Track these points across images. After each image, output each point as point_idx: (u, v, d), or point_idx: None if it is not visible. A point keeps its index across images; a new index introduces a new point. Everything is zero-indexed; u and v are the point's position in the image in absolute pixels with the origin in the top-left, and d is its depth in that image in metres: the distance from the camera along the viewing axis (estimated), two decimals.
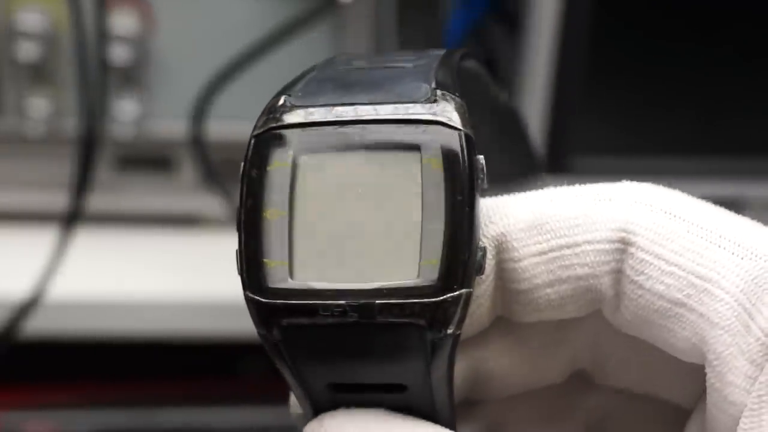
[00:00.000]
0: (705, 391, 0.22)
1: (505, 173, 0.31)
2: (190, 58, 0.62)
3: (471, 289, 0.20)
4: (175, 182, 0.66)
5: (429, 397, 0.21)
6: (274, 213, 0.20)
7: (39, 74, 0.61)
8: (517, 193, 0.22)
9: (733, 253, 0.21)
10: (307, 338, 0.20)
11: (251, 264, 0.20)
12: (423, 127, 0.20)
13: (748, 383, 0.20)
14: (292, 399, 0.23)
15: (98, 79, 0.59)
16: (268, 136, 0.21)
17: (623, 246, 0.21)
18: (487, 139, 0.24)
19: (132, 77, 0.62)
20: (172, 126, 0.63)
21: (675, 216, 0.21)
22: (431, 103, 0.20)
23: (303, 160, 0.20)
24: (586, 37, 0.60)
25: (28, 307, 0.57)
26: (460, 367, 0.23)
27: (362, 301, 0.20)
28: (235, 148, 0.63)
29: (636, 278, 0.21)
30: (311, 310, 0.20)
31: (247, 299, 0.20)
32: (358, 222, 0.20)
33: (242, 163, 0.21)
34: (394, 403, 0.21)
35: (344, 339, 0.20)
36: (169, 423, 0.65)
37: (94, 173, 0.58)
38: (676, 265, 0.21)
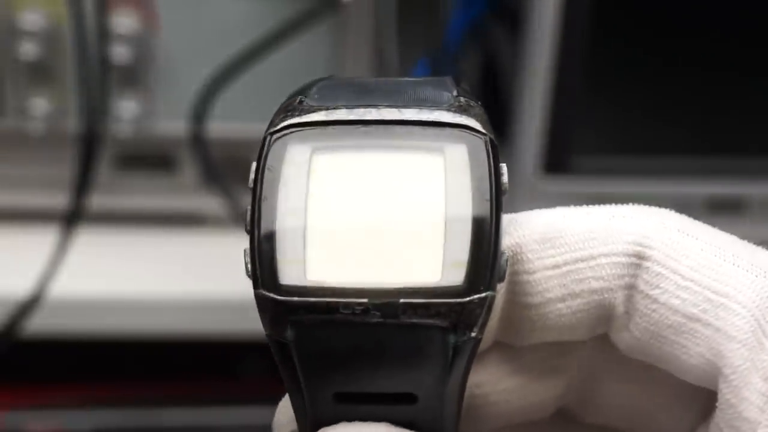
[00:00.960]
0: (701, 422, 0.22)
1: None
2: (191, 57, 0.62)
3: (495, 293, 0.20)
4: (176, 182, 0.66)
5: (438, 410, 0.20)
6: (289, 211, 0.20)
7: (40, 73, 0.61)
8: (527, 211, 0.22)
9: (747, 271, 0.21)
10: (322, 339, 0.20)
11: (264, 261, 0.20)
12: (448, 130, 0.20)
13: (762, 401, 0.20)
14: (278, 418, 0.22)
15: (99, 78, 0.59)
16: (287, 134, 0.20)
17: (638, 260, 0.21)
18: None
19: (133, 76, 0.62)
20: (172, 125, 0.63)
21: (689, 235, 0.21)
22: (455, 107, 0.20)
23: (323, 158, 0.20)
24: (586, 37, 0.60)
25: (28, 306, 0.57)
26: None
27: (386, 300, 0.19)
28: (236, 148, 0.64)
29: (650, 292, 0.21)
30: (331, 308, 0.19)
31: (259, 298, 0.20)
32: (378, 221, 0.20)
33: (256, 161, 0.20)
34: (399, 417, 0.20)
35: (362, 341, 0.19)
36: (169, 423, 0.65)
37: (94, 172, 0.58)
38: (691, 280, 0.21)
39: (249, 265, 0.20)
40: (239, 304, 0.60)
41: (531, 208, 0.23)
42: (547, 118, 0.62)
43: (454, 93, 0.21)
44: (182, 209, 0.66)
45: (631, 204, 0.22)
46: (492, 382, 0.23)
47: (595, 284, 0.21)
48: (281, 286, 0.19)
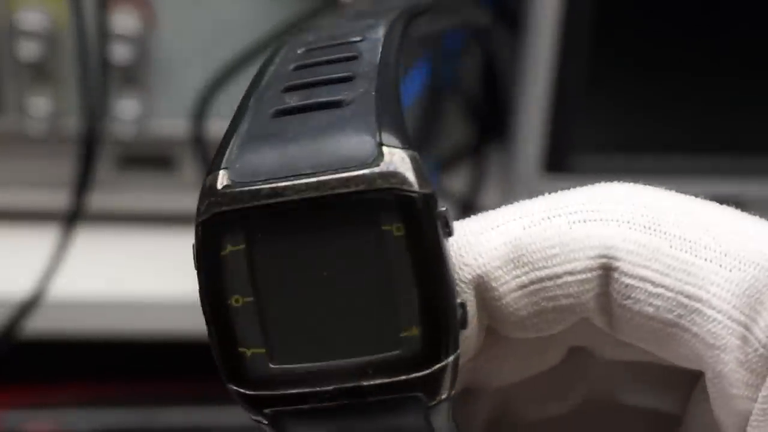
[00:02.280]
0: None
1: None
2: (191, 57, 0.62)
3: (458, 351, 0.19)
4: (176, 181, 0.66)
5: None
6: (238, 299, 0.19)
7: (40, 73, 0.61)
8: (485, 219, 0.22)
9: (720, 266, 0.20)
10: (298, 423, 0.20)
11: (227, 356, 0.19)
12: (377, 195, 0.19)
13: (751, 391, 0.20)
14: None
15: (99, 78, 0.59)
16: (216, 221, 0.19)
17: (605, 272, 0.20)
18: None
19: (133, 76, 0.62)
20: (173, 125, 0.63)
21: (656, 231, 0.20)
22: (380, 163, 0.19)
23: (258, 241, 0.19)
24: (586, 37, 0.60)
25: (28, 306, 0.57)
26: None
27: (351, 385, 0.19)
28: None
29: (623, 302, 0.20)
30: (300, 398, 0.19)
31: (231, 392, 0.20)
32: (328, 298, 0.19)
33: (193, 252, 0.19)
34: None
35: (337, 422, 0.19)
36: (169, 423, 0.65)
37: (95, 172, 0.58)
38: (662, 286, 0.20)
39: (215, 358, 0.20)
40: None
41: None
42: (547, 117, 0.62)
43: (378, 139, 0.19)
44: (182, 209, 0.66)
45: (590, 189, 0.21)
46: (487, 366, 0.23)
47: (565, 301, 0.21)
48: (249, 380, 0.19)
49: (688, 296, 0.20)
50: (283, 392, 0.19)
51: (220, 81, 0.60)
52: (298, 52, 0.23)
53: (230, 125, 0.21)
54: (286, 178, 0.19)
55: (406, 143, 0.19)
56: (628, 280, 0.20)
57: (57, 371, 0.68)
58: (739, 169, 0.64)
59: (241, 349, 0.19)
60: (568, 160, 0.63)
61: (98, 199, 0.62)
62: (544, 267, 0.21)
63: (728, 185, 0.63)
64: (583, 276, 0.20)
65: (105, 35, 0.59)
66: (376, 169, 0.19)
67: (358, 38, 0.23)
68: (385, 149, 0.19)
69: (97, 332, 0.62)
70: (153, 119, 0.63)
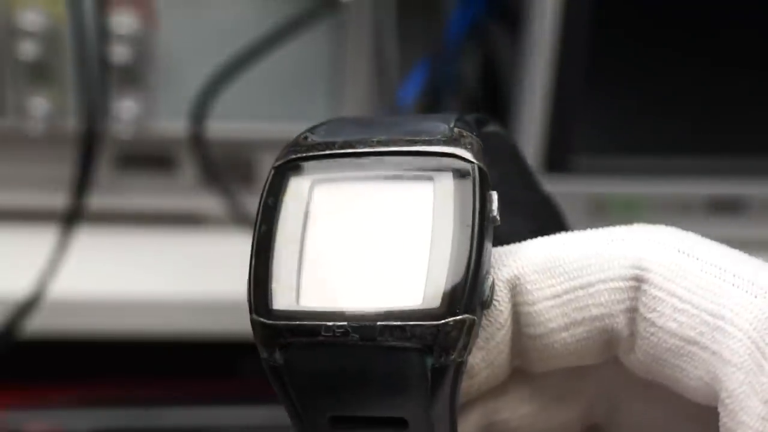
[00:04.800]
0: None
1: None
2: (190, 57, 0.62)
3: (475, 318, 0.20)
4: (176, 181, 0.66)
5: None
6: (286, 239, 0.21)
7: (39, 73, 0.61)
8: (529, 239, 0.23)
9: (746, 291, 0.21)
10: (309, 362, 0.20)
11: (259, 288, 0.21)
12: (437, 159, 0.21)
13: (761, 424, 0.20)
14: None
15: (98, 78, 0.59)
16: (287, 167, 0.21)
17: (637, 284, 0.21)
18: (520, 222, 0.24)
19: (132, 76, 0.62)
20: (172, 125, 0.63)
21: (688, 255, 0.21)
22: (447, 138, 0.21)
23: (318, 189, 0.21)
24: (586, 37, 0.60)
25: (28, 306, 0.57)
26: (475, 418, 0.23)
27: (363, 323, 0.20)
28: (236, 148, 0.64)
29: (648, 315, 0.21)
30: (313, 331, 0.20)
31: (252, 323, 0.21)
32: (367, 249, 0.20)
33: (261, 193, 0.21)
34: None
35: (345, 363, 0.20)
36: (169, 423, 0.65)
37: (94, 172, 0.58)
38: (689, 303, 0.21)
39: (247, 292, 0.21)
40: (239, 304, 0.59)
41: None
42: (547, 117, 0.62)
43: (451, 125, 0.21)
44: (182, 209, 0.66)
45: (633, 224, 0.22)
46: (511, 408, 0.23)
47: (595, 311, 0.21)
48: (272, 311, 0.20)
49: (712, 314, 0.21)
50: (298, 323, 0.20)
51: (219, 81, 0.60)
52: None
53: None
54: (358, 139, 0.21)
55: (474, 132, 0.22)
56: (656, 292, 0.21)
57: (57, 371, 0.68)
58: (739, 170, 0.64)
59: (274, 285, 0.20)
60: (568, 160, 0.63)
61: (98, 199, 0.62)
62: (578, 276, 0.21)
63: (728, 185, 0.63)
64: (616, 285, 0.21)
65: (104, 35, 0.59)
66: (443, 140, 0.21)
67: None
68: (455, 130, 0.21)
69: (97, 332, 0.62)
70: (152, 119, 0.63)
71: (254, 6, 0.62)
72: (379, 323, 0.20)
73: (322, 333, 0.20)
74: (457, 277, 0.20)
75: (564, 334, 0.21)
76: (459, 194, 0.20)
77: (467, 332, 0.20)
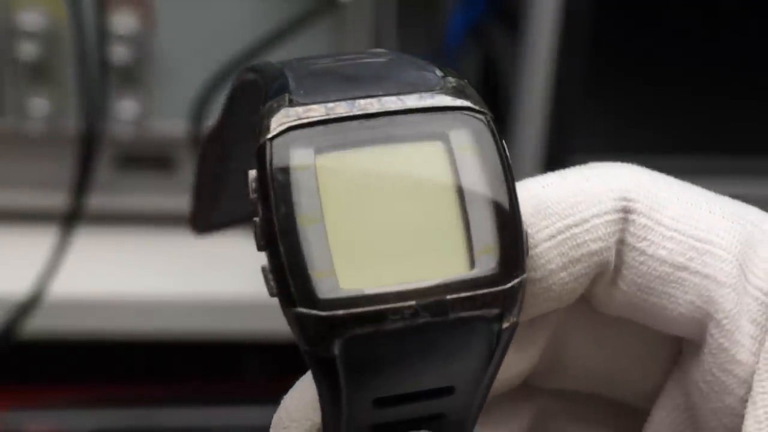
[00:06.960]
0: (663, 393, 0.22)
1: None
2: (190, 57, 0.62)
3: (525, 275, 0.19)
4: (176, 182, 0.66)
5: (471, 399, 0.20)
6: (307, 219, 0.18)
7: (39, 73, 0.61)
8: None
9: (723, 218, 0.21)
10: (371, 349, 0.18)
11: (297, 277, 0.18)
12: (450, 114, 0.19)
13: (752, 344, 0.20)
14: (287, 413, 0.21)
15: (98, 78, 0.59)
16: (288, 137, 0.19)
17: (625, 215, 0.21)
18: None
19: (132, 76, 0.62)
20: (172, 125, 0.63)
21: (661, 187, 0.22)
22: (450, 89, 0.20)
23: (329, 158, 0.19)
24: (586, 37, 0.60)
25: (28, 306, 0.57)
26: None
27: (433, 299, 0.18)
28: None
29: (638, 245, 0.21)
30: (379, 317, 0.18)
31: (298, 316, 0.18)
32: (395, 219, 0.19)
33: (257, 170, 0.19)
34: (433, 409, 0.20)
35: (409, 344, 0.19)
36: (169, 423, 0.65)
37: (94, 173, 0.58)
38: (675, 231, 0.21)
39: (273, 283, 0.19)
40: (239, 304, 0.60)
41: None
42: (547, 117, 0.62)
43: (439, 73, 0.20)
44: (181, 209, 0.66)
45: (594, 163, 0.22)
46: None
47: (593, 246, 0.21)
48: (320, 300, 0.18)
49: (700, 240, 0.21)
50: (360, 310, 0.18)
51: (219, 81, 0.60)
52: None
53: None
54: (359, 97, 0.19)
55: (462, 77, 0.20)
56: (645, 221, 0.21)
57: (57, 371, 0.68)
58: (739, 169, 0.64)
59: (311, 271, 0.18)
60: (568, 160, 0.63)
61: (97, 200, 0.62)
62: (571, 214, 0.21)
63: (728, 185, 0.63)
64: (610, 217, 0.21)
65: (104, 35, 0.59)
66: (447, 91, 0.20)
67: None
68: (449, 78, 0.20)
69: (97, 332, 0.62)
70: (152, 119, 0.63)
71: (254, 6, 0.62)
72: (448, 297, 0.18)
73: (389, 317, 0.18)
74: (508, 237, 0.19)
75: (563, 274, 0.21)
76: (481, 149, 0.19)
77: (523, 291, 0.19)
